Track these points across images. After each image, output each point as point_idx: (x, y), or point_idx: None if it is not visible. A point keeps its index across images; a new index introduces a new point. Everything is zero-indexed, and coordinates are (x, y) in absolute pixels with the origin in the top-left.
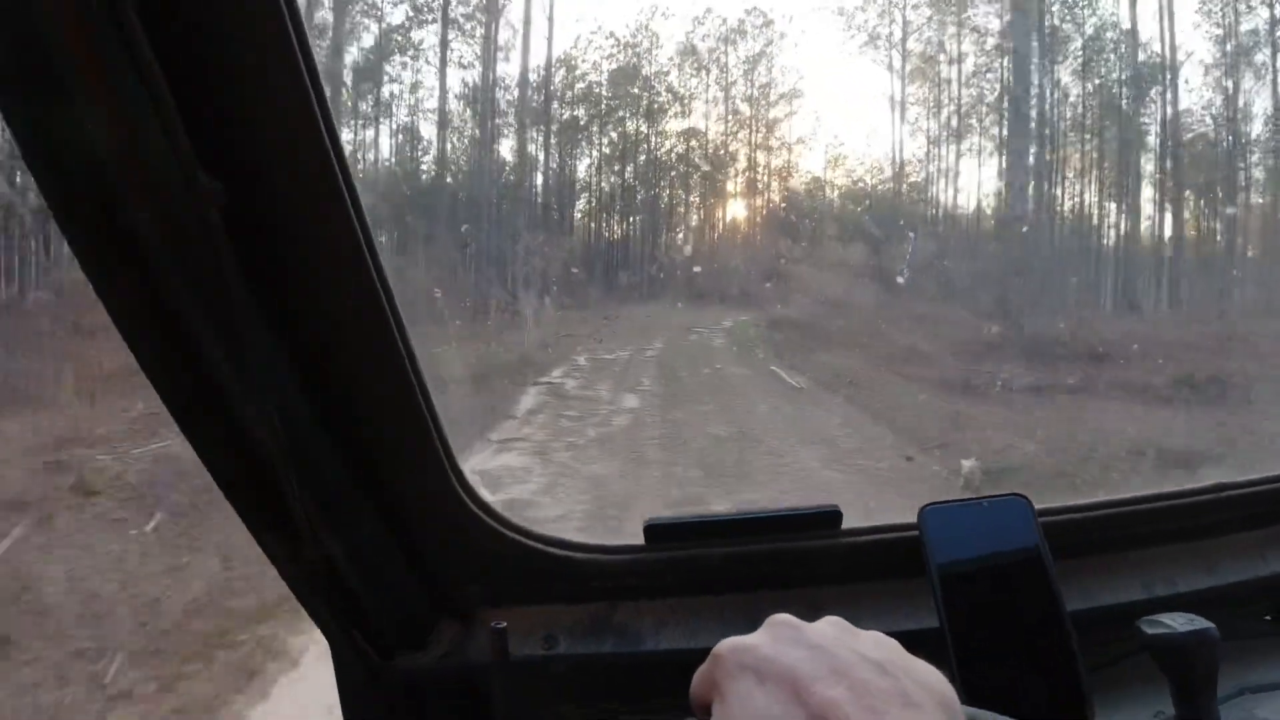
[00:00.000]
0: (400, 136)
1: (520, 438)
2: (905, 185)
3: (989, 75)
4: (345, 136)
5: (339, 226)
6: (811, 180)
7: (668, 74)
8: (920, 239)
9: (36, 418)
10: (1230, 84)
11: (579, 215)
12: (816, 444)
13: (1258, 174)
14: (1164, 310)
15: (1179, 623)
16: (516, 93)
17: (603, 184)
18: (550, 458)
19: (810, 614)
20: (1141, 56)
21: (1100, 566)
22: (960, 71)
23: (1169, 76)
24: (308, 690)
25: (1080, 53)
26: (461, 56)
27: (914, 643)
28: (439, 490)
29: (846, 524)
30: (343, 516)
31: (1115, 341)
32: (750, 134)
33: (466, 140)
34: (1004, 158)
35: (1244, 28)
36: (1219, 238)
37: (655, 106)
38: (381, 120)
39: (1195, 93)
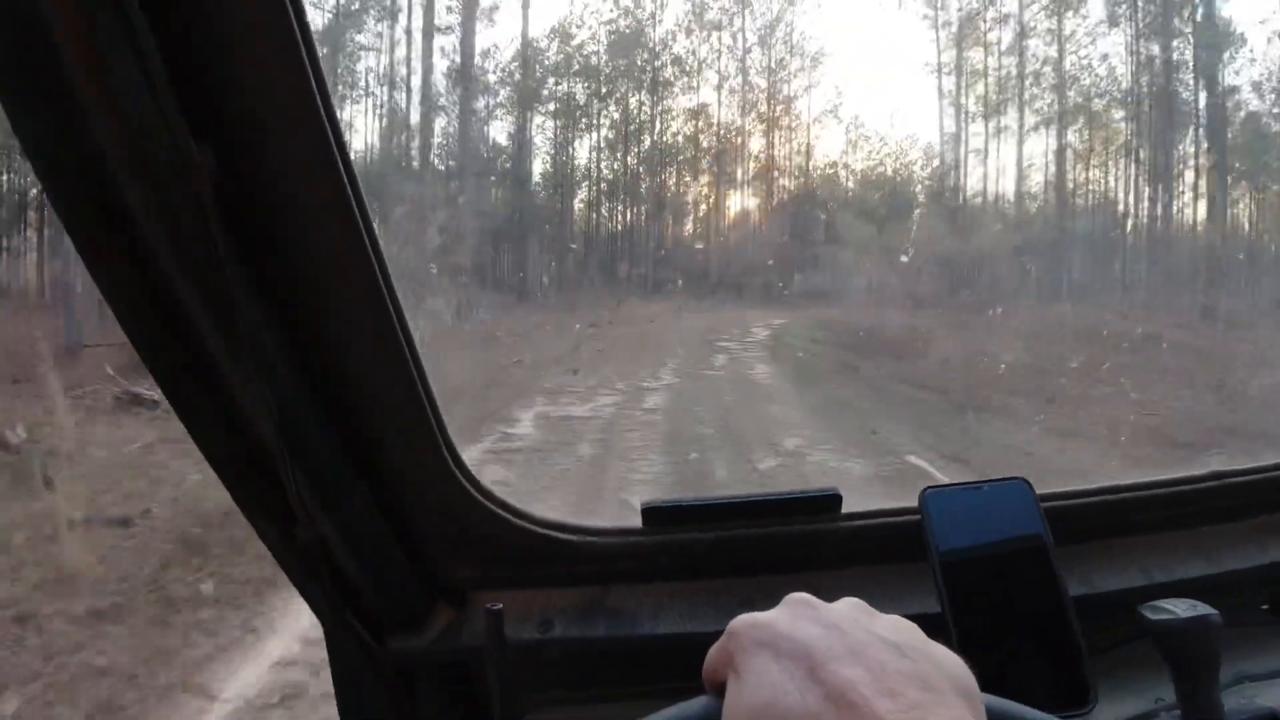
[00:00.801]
0: (365, 110)
1: None
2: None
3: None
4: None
5: (334, 201)
6: (842, 162)
7: (674, 43)
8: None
9: None
10: None
11: (579, 205)
12: None
13: None
14: None
15: (1181, 608)
16: (498, 63)
17: (601, 168)
18: None
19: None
20: None
21: (1100, 552)
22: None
23: None
24: None
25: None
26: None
27: None
28: (434, 472)
29: (846, 508)
30: (337, 498)
31: None
32: (770, 108)
33: (441, 115)
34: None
35: None
36: None
37: (660, 80)
38: (349, 93)
39: None
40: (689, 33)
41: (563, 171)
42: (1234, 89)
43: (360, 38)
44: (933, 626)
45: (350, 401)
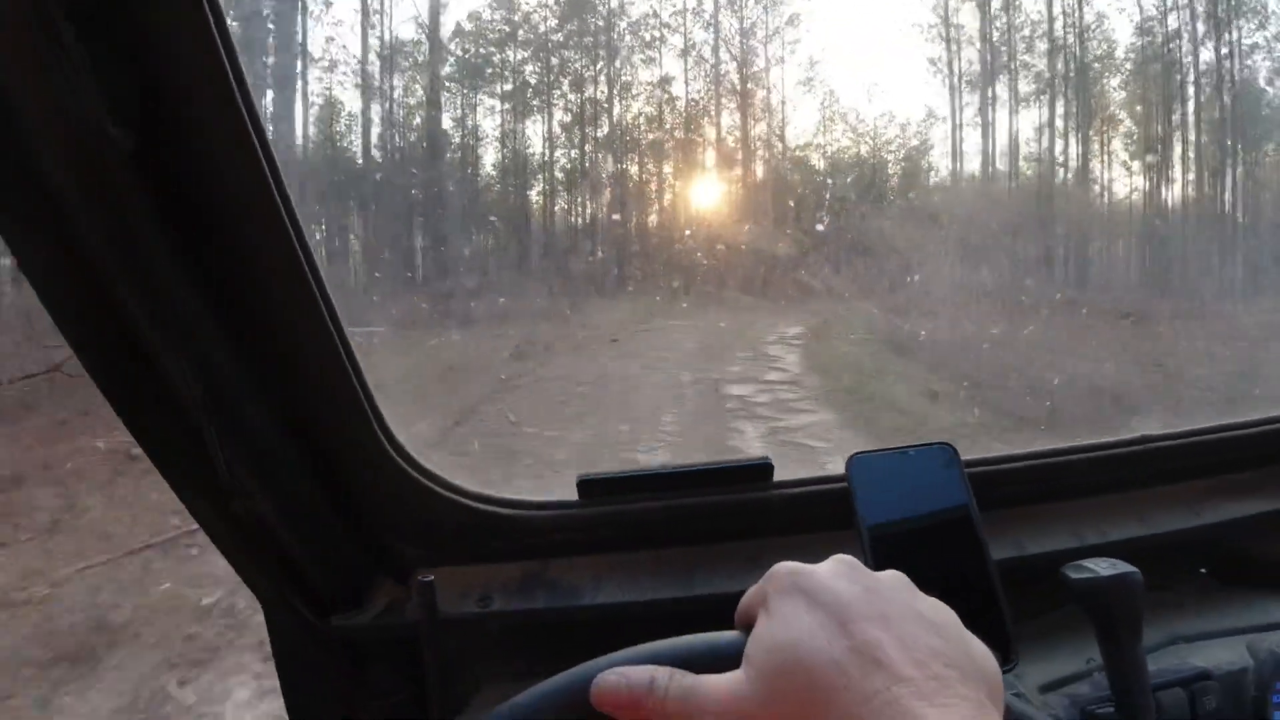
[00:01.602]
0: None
1: None
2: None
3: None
4: None
5: (253, 177)
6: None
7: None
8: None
9: None
10: None
11: (499, 185)
12: None
13: None
14: None
15: (1102, 567)
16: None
17: (552, 151)
18: None
19: (749, 566)
20: None
21: (1031, 516)
22: None
23: None
24: None
25: None
26: None
27: None
28: (368, 447)
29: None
30: (270, 473)
31: None
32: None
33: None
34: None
35: None
36: None
37: (618, 49)
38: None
39: None
40: None
41: (470, 141)
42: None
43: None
44: None
45: (278, 375)
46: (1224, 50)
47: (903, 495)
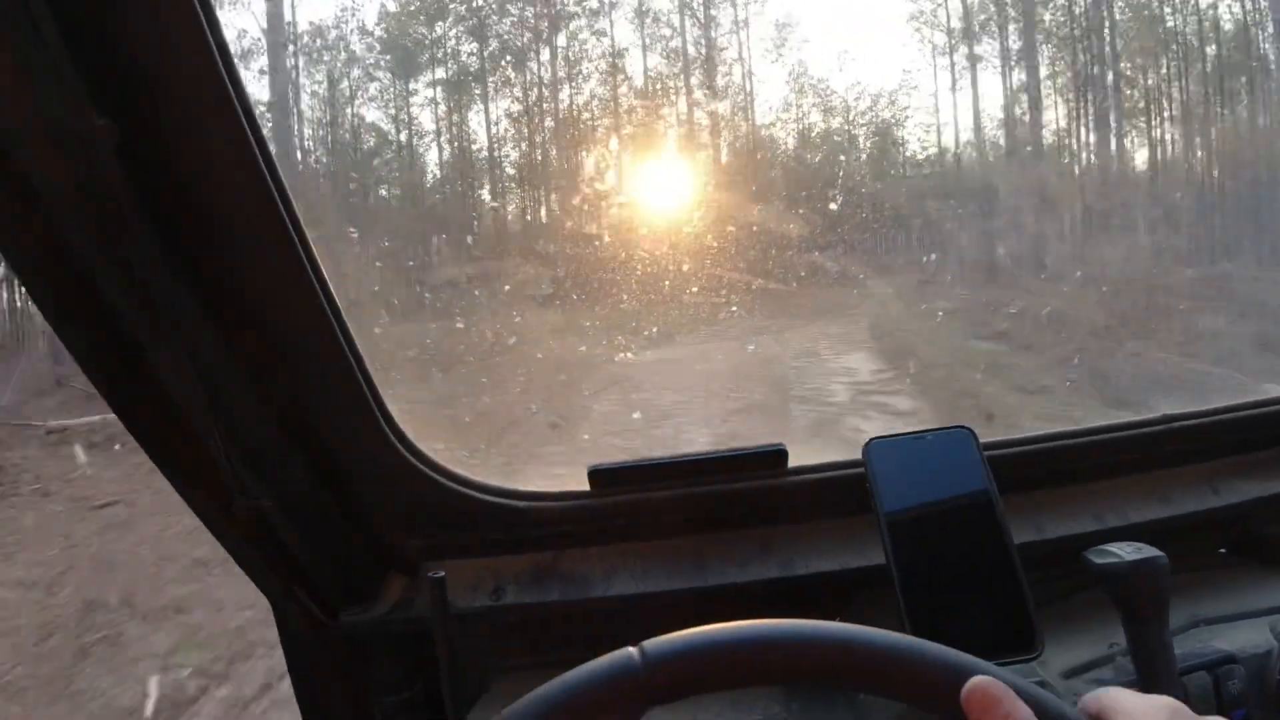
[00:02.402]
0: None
1: None
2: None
3: None
4: None
5: (244, 164)
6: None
7: None
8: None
9: None
10: None
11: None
12: None
13: None
14: None
15: (1127, 551)
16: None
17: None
18: None
19: (761, 554)
20: None
21: (1052, 499)
22: None
23: None
24: None
25: None
26: None
27: (863, 580)
28: (372, 441)
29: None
30: (273, 470)
31: None
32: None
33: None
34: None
35: None
36: None
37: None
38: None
39: None
40: None
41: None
42: None
43: None
44: (880, 579)
45: (277, 369)
46: None
47: (921, 480)
